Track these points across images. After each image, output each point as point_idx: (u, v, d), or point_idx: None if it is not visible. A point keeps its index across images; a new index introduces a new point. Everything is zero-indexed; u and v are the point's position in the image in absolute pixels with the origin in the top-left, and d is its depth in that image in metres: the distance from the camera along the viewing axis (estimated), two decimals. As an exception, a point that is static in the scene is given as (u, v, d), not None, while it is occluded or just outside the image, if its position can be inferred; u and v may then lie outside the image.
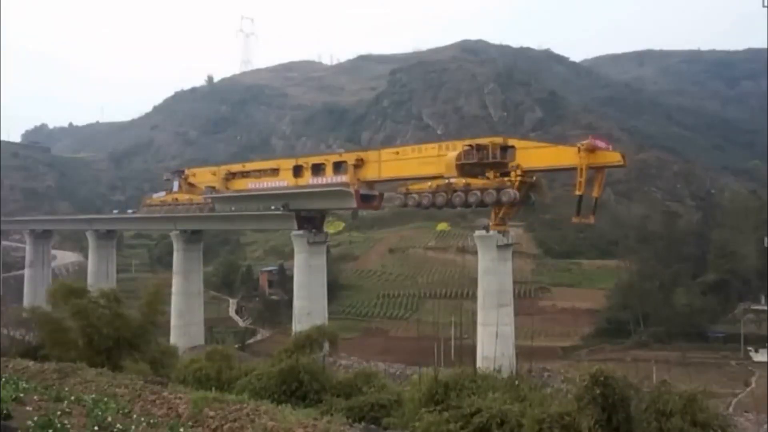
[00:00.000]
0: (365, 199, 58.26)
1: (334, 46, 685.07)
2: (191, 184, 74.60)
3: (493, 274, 50.04)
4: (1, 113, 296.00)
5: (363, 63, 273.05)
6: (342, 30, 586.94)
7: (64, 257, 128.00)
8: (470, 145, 49.98)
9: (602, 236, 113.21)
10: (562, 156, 47.04)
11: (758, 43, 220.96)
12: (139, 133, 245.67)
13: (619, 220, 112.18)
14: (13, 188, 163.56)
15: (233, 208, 70.22)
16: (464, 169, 49.49)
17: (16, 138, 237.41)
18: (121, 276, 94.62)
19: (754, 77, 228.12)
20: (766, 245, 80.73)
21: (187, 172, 76.77)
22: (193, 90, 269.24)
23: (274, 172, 65.05)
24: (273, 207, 64.43)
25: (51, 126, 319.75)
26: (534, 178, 49.90)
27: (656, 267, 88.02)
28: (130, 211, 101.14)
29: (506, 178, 48.42)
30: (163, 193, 78.49)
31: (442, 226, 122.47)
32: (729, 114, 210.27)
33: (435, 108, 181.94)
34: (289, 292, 71.84)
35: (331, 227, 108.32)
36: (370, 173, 57.26)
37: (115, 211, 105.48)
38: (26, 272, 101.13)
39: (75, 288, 21.69)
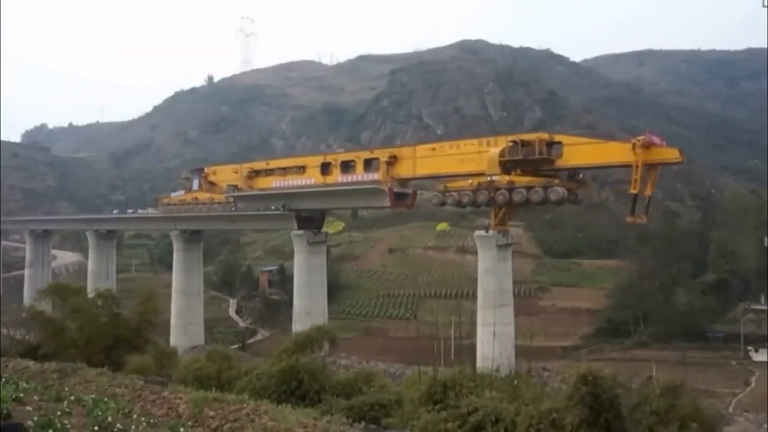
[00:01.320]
0: (399, 198, 55.71)
1: (334, 46, 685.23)
2: (212, 183, 71.95)
3: (493, 273, 49.85)
4: (1, 113, 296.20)
5: (363, 63, 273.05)
6: (342, 30, 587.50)
7: (64, 257, 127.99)
8: (514, 141, 47.66)
9: (602, 236, 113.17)
10: (614, 153, 44.60)
11: (758, 43, 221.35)
12: (139, 133, 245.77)
13: (619, 220, 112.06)
14: (13, 188, 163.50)
15: (233, 209, 69.76)
16: (507, 166, 47.43)
17: (16, 138, 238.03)
18: (121, 276, 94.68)
19: (754, 77, 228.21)
20: (766, 245, 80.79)
21: (207, 170, 74.02)
22: (193, 90, 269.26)
23: (301, 169, 62.43)
24: (273, 207, 64.15)
25: (51, 126, 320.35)
26: (581, 175, 48.38)
27: (656, 267, 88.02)
28: (130, 211, 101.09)
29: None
30: (182, 192, 75.96)
31: (442, 226, 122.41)
32: (729, 114, 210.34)
33: (435, 108, 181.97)
34: (289, 292, 71.76)
35: (331, 227, 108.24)
36: (404, 170, 54.71)
37: (115, 211, 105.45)
38: (26, 272, 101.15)
39: (70, 287, 21.79)
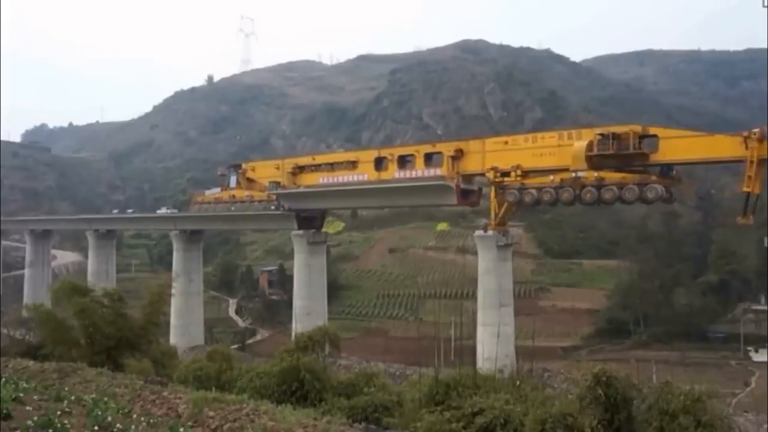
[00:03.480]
0: (465, 195, 51.62)
1: (334, 46, 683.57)
2: (250, 180, 68.18)
3: (493, 274, 49.64)
4: (1, 113, 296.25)
5: (363, 63, 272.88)
6: (342, 30, 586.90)
7: (64, 257, 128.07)
8: (603, 134, 43.61)
9: (602, 236, 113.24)
10: (721, 147, 40.92)
11: (758, 43, 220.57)
12: (139, 133, 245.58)
13: (619, 220, 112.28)
14: (13, 188, 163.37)
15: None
16: (594, 161, 43.65)
17: (16, 138, 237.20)
18: (121, 276, 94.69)
19: (754, 77, 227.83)
20: (766, 245, 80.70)
21: (245, 166, 69.91)
22: (193, 90, 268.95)
23: (352, 164, 58.60)
24: (273, 207, 63.97)
25: (51, 126, 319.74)
26: (675, 172, 44.85)
27: (656, 267, 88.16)
28: (130, 210, 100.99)
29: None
30: (217, 190, 72.01)
31: (442, 226, 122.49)
32: (729, 114, 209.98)
33: (435, 108, 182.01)
34: (289, 292, 71.71)
35: (331, 227, 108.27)
36: (471, 165, 50.47)
37: (115, 211, 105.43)
38: (26, 272, 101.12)
39: (78, 286, 21.73)
